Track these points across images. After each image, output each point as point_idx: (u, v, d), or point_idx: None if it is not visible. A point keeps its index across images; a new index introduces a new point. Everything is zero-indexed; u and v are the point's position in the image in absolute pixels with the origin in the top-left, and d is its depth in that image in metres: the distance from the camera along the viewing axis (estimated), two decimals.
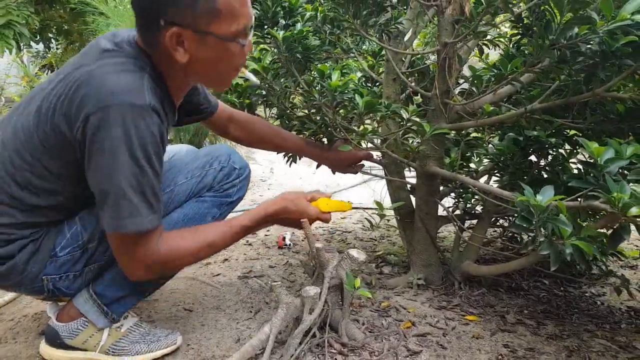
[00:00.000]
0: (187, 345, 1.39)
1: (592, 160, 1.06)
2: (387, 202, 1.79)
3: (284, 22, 1.72)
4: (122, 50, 1.14)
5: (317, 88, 1.60)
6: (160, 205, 1.15)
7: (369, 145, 1.84)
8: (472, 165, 1.86)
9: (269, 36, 1.66)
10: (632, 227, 1.09)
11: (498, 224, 2.09)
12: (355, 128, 1.69)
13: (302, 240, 2.45)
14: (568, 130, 1.62)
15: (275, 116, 2.00)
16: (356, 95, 1.51)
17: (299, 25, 1.67)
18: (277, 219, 1.37)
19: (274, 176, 4.65)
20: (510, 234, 2.13)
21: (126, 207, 1.07)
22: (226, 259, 2.16)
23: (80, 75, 1.09)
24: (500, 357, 1.33)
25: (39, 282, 1.23)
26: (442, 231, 2.60)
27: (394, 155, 1.69)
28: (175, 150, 1.56)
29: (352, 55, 1.97)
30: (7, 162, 1.15)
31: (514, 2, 1.28)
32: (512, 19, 1.49)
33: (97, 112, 1.04)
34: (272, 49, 1.72)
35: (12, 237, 1.17)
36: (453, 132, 1.74)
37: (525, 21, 1.57)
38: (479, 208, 1.93)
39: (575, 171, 1.59)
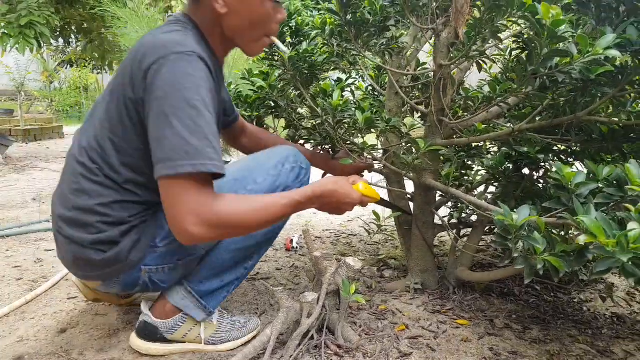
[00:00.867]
0: None
1: (563, 184, 1.15)
2: (388, 210, 1.90)
3: (290, 41, 1.83)
4: (169, 22, 1.27)
5: (320, 104, 1.71)
6: (220, 151, 1.15)
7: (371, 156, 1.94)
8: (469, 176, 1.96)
9: (277, 54, 1.77)
10: None
11: (492, 232, 2.18)
12: (357, 141, 1.80)
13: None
14: (559, 146, 1.71)
15: (284, 127, 2.12)
16: (357, 111, 1.62)
17: (304, 44, 1.78)
18: (323, 201, 1.33)
19: None
20: None
21: (183, 148, 1.07)
22: None
23: (136, 46, 1.20)
24: None
25: (137, 273, 1.31)
26: (443, 236, 2.70)
27: (392, 168, 1.79)
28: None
29: (359, 67, 2.07)
30: (98, 146, 1.25)
31: (502, 31, 1.37)
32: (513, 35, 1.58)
33: (152, 65, 1.12)
34: (280, 67, 1.83)
35: (111, 219, 1.25)
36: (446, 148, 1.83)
37: (526, 35, 1.66)
38: (474, 217, 2.03)
39: None
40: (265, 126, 2.06)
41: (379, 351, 1.44)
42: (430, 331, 1.59)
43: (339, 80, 1.90)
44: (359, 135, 1.73)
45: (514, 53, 1.52)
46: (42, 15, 5.62)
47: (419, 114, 2.05)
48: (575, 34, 1.20)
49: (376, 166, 1.97)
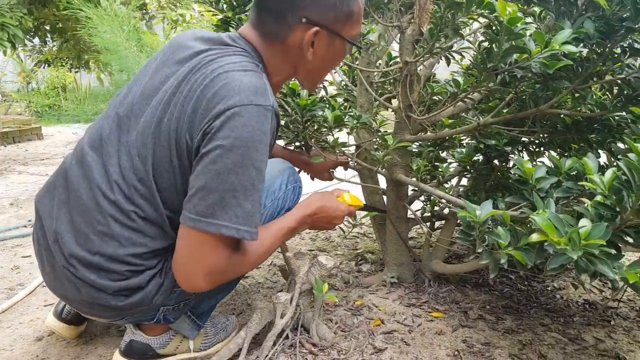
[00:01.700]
0: None
1: (524, 178, 1.17)
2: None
3: None
4: (235, 51, 1.13)
5: (289, 103, 1.71)
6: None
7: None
8: (441, 169, 1.98)
9: None
10: None
11: None
12: (329, 138, 1.81)
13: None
14: (527, 138, 1.73)
15: None
16: (326, 110, 1.63)
17: None
18: (314, 219, 1.32)
19: None
20: None
21: (233, 210, 1.01)
22: None
23: (203, 75, 1.07)
24: (457, 352, 1.45)
25: (155, 312, 1.23)
26: (419, 228, 2.71)
27: (364, 164, 1.80)
28: None
29: None
30: (141, 185, 1.11)
31: (463, 28, 1.38)
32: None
33: (226, 111, 1.01)
34: None
35: (141, 269, 1.14)
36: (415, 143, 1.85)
37: (494, 28, 1.67)
38: (446, 210, 2.05)
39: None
40: None
41: (354, 348, 1.45)
42: (405, 325, 1.61)
43: None
44: (330, 134, 1.74)
45: (482, 45, 1.53)
46: (14, 17, 5.54)
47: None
48: (538, 28, 1.21)
49: (350, 162, 1.98)
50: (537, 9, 1.56)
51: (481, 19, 1.39)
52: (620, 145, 1.46)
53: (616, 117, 1.48)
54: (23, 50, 9.96)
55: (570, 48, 1.14)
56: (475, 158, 1.78)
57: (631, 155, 0.87)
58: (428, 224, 2.13)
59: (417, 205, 2.19)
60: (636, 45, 1.29)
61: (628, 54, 1.31)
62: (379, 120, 1.72)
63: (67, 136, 7.21)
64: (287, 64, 1.20)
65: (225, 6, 1.83)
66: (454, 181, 2.13)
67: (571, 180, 1.16)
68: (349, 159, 1.97)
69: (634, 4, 1.13)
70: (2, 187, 4.07)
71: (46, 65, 11.13)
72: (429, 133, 1.66)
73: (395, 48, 2.15)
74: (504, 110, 1.56)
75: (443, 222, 2.01)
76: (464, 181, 2.07)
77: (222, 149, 1.00)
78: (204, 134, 1.02)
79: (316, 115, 1.64)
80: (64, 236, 1.14)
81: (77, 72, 10.80)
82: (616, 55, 1.30)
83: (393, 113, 2.08)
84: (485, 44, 1.47)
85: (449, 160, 2.00)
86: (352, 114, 1.68)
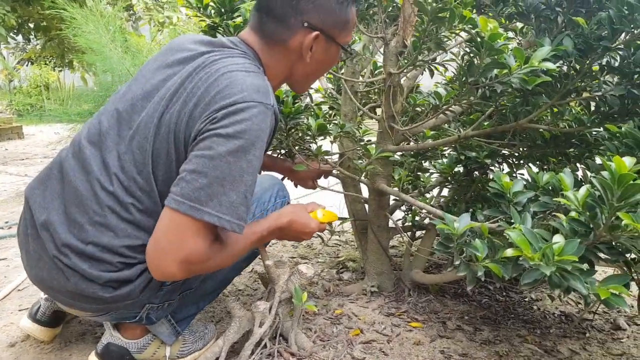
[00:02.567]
0: None
1: (502, 192, 1.19)
2: (345, 213, 1.92)
3: None
4: (239, 49, 1.19)
5: None
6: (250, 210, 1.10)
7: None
8: (423, 180, 2.00)
9: None
10: None
11: None
12: (312, 146, 1.81)
13: (269, 246, 2.57)
14: (507, 151, 1.75)
15: None
16: (310, 118, 1.64)
17: None
18: (282, 232, 1.33)
19: None
20: None
21: (218, 198, 1.03)
22: None
23: (207, 73, 1.10)
24: None
25: (138, 309, 1.24)
26: (400, 237, 2.73)
27: (346, 173, 1.81)
28: None
29: None
30: (140, 178, 1.13)
31: (446, 42, 1.40)
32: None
33: (230, 106, 1.04)
34: None
35: (134, 262, 1.14)
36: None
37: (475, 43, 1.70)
38: (427, 220, 2.07)
39: None
40: None
41: (332, 358, 1.45)
42: (384, 335, 1.62)
43: None
44: (313, 141, 1.74)
45: (465, 58, 1.55)
46: None
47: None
48: (519, 43, 1.23)
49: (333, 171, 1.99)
50: (519, 24, 1.59)
51: (463, 34, 1.41)
52: (598, 160, 1.49)
53: (593, 133, 1.51)
54: (6, 47, 9.83)
55: (549, 65, 1.16)
56: (456, 169, 1.80)
57: (604, 173, 0.89)
58: (409, 233, 2.14)
59: (398, 214, 2.20)
60: (613, 64, 1.32)
61: (605, 71, 1.33)
62: (362, 129, 1.73)
63: (49, 136, 7.14)
64: (284, 67, 1.26)
65: (212, 12, 1.83)
66: (435, 191, 2.15)
67: (548, 195, 1.17)
68: (332, 168, 1.98)
69: (610, 24, 1.15)
70: None
71: (29, 63, 11.00)
72: (411, 144, 1.67)
73: (380, 58, 2.18)
74: (485, 123, 1.58)
75: (424, 232, 2.02)
76: (445, 192, 2.09)
77: (219, 137, 1.03)
78: (203, 122, 1.06)
79: (300, 123, 1.65)
80: (56, 226, 1.14)
81: (60, 71, 10.68)
82: (594, 73, 1.33)
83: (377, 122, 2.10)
84: (470, 55, 1.49)
85: (430, 170, 2.02)
86: (336, 122, 1.69)
